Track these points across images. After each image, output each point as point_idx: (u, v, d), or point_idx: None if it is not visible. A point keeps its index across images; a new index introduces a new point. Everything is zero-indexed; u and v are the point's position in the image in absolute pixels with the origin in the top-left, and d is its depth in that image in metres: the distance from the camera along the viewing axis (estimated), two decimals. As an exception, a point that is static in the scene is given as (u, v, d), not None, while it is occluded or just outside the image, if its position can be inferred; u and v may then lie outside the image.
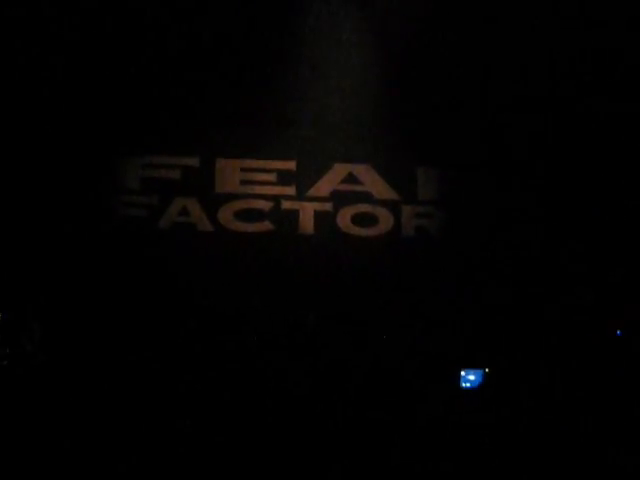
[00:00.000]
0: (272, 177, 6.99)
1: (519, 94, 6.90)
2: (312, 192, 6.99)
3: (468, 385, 6.61)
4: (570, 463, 6.09)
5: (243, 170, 6.98)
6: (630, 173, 6.94)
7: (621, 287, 6.87)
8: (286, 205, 6.99)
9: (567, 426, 6.32)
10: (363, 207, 7.03)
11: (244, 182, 6.98)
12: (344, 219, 7.00)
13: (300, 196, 6.99)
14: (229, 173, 6.97)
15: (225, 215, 6.95)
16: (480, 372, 6.60)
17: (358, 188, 7.03)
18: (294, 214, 6.98)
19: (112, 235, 6.86)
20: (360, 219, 7.01)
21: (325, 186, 7.00)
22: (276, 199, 6.98)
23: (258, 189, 7.00)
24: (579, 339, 6.72)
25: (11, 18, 6.52)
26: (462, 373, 6.62)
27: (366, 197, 7.03)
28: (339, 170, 7.00)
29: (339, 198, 7.01)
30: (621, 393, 6.35)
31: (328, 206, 7.00)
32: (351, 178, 7.02)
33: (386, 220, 7.01)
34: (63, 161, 6.78)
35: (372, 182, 7.02)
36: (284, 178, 6.99)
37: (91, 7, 6.49)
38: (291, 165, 6.99)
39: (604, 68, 6.77)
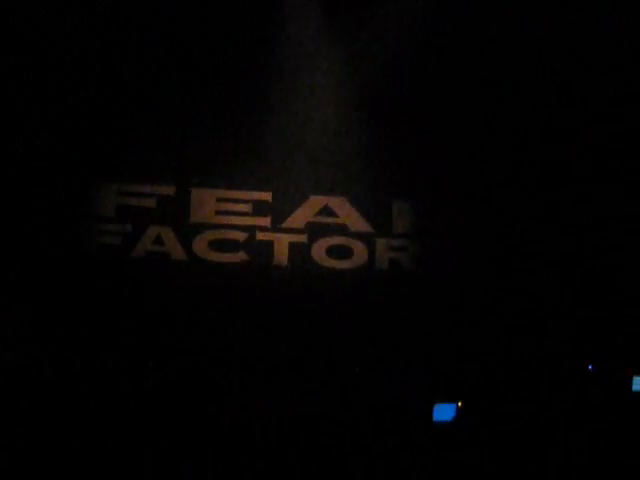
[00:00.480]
0: (247, 208, 7.00)
1: (497, 126, 6.99)
2: (287, 223, 7.01)
3: (441, 419, 6.55)
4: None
5: (218, 200, 6.99)
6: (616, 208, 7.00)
7: (597, 321, 6.89)
8: (261, 236, 6.99)
9: (541, 460, 6.28)
10: (338, 239, 7.05)
11: (219, 212, 6.99)
12: (319, 251, 7.01)
13: (275, 227, 7.00)
14: (204, 203, 6.98)
15: (200, 245, 6.94)
16: (453, 406, 6.55)
17: (333, 220, 7.05)
18: (269, 245, 6.98)
19: (85, 262, 6.81)
20: (335, 251, 7.03)
21: (300, 218, 7.01)
22: (251, 230, 6.99)
23: (233, 219, 7.01)
24: (553, 373, 6.71)
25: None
26: (435, 407, 6.56)
27: (341, 229, 7.05)
28: (314, 202, 7.03)
29: (314, 230, 7.03)
30: (595, 426, 6.33)
31: (303, 238, 7.01)
32: (326, 210, 7.05)
33: (360, 253, 7.03)
34: (37, 187, 6.76)
35: (347, 214, 7.04)
36: (259, 209, 7.01)
37: (68, 30, 6.57)
38: (267, 196, 7.01)
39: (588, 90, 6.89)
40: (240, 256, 6.96)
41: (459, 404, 6.51)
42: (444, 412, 6.53)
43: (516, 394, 6.66)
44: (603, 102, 6.95)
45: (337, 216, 7.05)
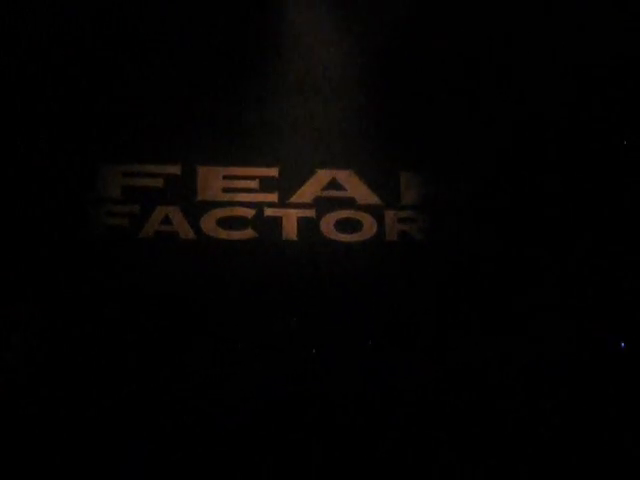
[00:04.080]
0: (254, 184, 6.96)
1: (503, 98, 6.94)
2: (295, 199, 6.96)
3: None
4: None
5: (225, 177, 6.95)
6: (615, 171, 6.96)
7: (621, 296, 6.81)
8: (269, 212, 6.95)
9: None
10: (346, 213, 7.00)
11: (226, 189, 6.95)
12: (327, 225, 6.97)
13: (283, 203, 6.96)
14: (211, 181, 6.94)
15: (208, 223, 6.91)
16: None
17: (341, 194, 7.01)
18: (277, 221, 6.94)
19: (93, 244, 6.78)
20: (343, 225, 6.98)
21: (308, 192, 6.97)
22: (259, 206, 6.94)
23: (241, 196, 6.96)
24: (576, 350, 6.67)
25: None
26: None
27: (349, 203, 7.00)
28: (322, 176, 6.99)
29: (322, 204, 6.98)
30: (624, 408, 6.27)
31: (311, 212, 6.97)
32: (334, 184, 7.00)
33: (369, 226, 6.99)
34: (42, 169, 6.73)
35: (355, 188, 7.00)
36: (267, 185, 6.97)
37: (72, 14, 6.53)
38: (274, 172, 6.97)
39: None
40: (249, 233, 6.93)
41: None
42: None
43: (530, 366, 6.65)
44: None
45: (345, 189, 7.01)
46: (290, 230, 6.93)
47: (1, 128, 6.74)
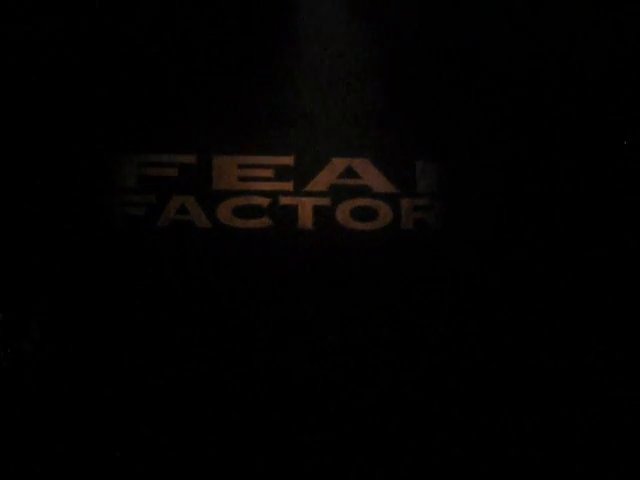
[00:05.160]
0: (270, 173, 6.96)
1: (518, 86, 6.90)
2: (310, 187, 6.96)
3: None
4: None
5: (240, 167, 6.95)
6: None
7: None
8: (284, 201, 6.96)
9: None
10: (362, 201, 6.99)
11: (242, 178, 6.96)
12: (343, 213, 6.97)
13: (298, 191, 6.96)
14: (226, 170, 6.94)
15: (223, 212, 6.92)
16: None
17: (356, 182, 7.00)
18: (293, 209, 6.94)
19: (110, 234, 6.81)
20: (359, 213, 6.98)
21: (323, 181, 6.97)
22: (274, 195, 6.94)
23: (256, 185, 6.97)
24: (584, 342, 6.68)
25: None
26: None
27: (365, 191, 7.00)
28: (337, 164, 6.98)
29: (338, 192, 6.98)
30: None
31: (327, 201, 6.97)
32: (349, 172, 6.99)
33: (385, 213, 6.98)
34: (58, 160, 6.75)
35: (370, 176, 6.99)
36: (282, 174, 6.96)
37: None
38: (289, 161, 6.96)
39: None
40: (264, 221, 6.94)
41: None
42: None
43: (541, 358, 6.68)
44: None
45: (361, 178, 7.00)
46: (306, 218, 6.94)
47: (18, 120, 6.74)
